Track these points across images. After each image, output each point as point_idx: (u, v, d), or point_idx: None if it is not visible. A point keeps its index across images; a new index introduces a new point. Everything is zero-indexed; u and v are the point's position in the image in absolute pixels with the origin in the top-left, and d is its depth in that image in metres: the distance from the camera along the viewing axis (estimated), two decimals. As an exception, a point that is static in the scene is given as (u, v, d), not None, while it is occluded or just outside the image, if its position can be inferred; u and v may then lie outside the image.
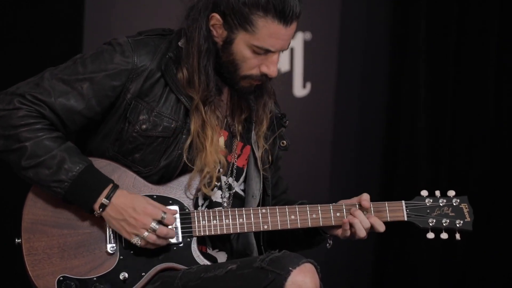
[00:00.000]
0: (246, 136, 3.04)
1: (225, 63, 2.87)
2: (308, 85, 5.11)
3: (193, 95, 2.86)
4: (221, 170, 2.93)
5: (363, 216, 2.95)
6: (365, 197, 2.98)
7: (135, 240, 2.77)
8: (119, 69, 2.84)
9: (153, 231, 2.76)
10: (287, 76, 5.01)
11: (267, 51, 2.83)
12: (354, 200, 3.00)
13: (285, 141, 3.11)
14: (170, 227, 2.80)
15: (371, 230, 2.97)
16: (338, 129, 5.18)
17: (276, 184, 3.19)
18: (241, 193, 3.06)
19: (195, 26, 2.86)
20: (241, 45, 2.83)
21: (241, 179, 3.05)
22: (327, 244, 3.05)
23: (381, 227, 2.96)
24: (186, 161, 2.86)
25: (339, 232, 2.99)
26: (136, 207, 2.76)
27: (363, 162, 5.23)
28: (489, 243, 4.81)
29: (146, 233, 2.75)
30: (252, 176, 3.04)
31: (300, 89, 5.10)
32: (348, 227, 2.95)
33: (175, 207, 2.86)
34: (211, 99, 2.88)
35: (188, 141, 2.86)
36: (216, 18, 2.84)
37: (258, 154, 3.04)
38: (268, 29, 2.79)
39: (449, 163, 5.00)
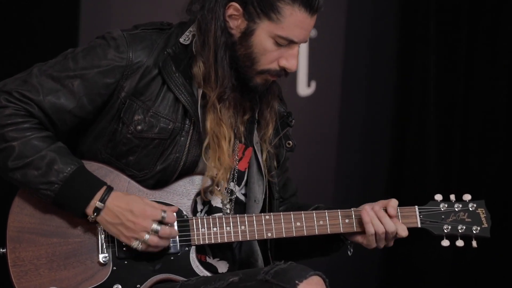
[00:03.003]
0: (248, 137, 2.93)
1: (242, 57, 2.76)
2: (313, 84, 5.04)
3: (209, 92, 2.77)
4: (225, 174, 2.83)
5: (388, 219, 2.81)
6: (393, 203, 2.85)
7: (135, 244, 2.66)
8: (112, 66, 2.73)
9: (155, 233, 2.66)
10: (291, 75, 4.80)
11: (290, 42, 2.73)
12: (380, 204, 2.86)
13: (291, 142, 3.01)
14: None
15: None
16: (343, 129, 5.12)
17: (285, 186, 3.07)
18: (242, 198, 2.95)
19: (211, 17, 2.75)
20: (263, 36, 2.72)
21: (243, 183, 2.94)
22: (348, 252, 2.91)
23: (403, 232, 2.83)
24: (204, 160, 2.76)
25: (363, 239, 2.85)
26: (134, 209, 2.65)
27: (369, 163, 5.16)
28: (502, 247, 4.68)
29: (147, 236, 2.65)
30: (254, 179, 2.93)
31: (304, 88, 5.04)
32: (372, 230, 2.80)
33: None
34: (226, 96, 2.78)
35: (206, 142, 2.77)
36: (235, 7, 2.74)
37: (261, 156, 2.93)
38: (295, 18, 2.70)
39: (459, 164, 4.91)
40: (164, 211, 2.67)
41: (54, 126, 2.73)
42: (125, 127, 2.76)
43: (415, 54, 5.01)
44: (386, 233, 2.80)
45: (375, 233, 2.80)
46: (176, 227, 2.71)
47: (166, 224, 2.67)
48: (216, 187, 2.78)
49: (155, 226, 2.64)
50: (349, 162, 5.12)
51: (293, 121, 3.00)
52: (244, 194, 2.94)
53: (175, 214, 2.70)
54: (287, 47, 2.73)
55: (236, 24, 2.75)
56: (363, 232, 2.83)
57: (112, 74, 2.73)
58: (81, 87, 2.72)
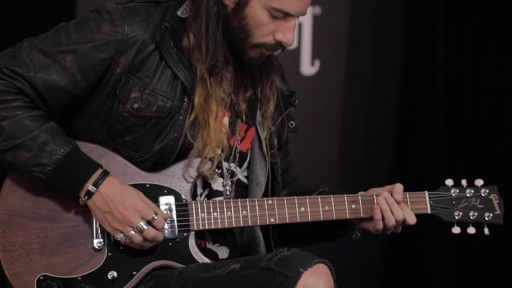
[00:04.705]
0: (251, 117, 2.87)
1: (235, 29, 2.69)
2: (317, 63, 4.98)
3: (198, 64, 2.70)
4: (222, 154, 2.76)
5: (397, 207, 2.75)
6: (398, 188, 2.79)
7: (119, 237, 2.60)
8: (107, 40, 2.66)
9: (140, 231, 2.58)
10: (295, 53, 4.88)
11: (286, 15, 2.67)
12: (386, 188, 2.80)
13: (293, 122, 2.94)
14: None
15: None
16: (348, 109, 5.06)
17: (286, 170, 3.01)
18: (244, 180, 2.88)
19: None
20: (257, 7, 2.66)
21: (245, 165, 2.88)
22: (354, 235, 2.85)
23: (412, 219, 2.77)
24: (189, 138, 2.69)
25: (370, 225, 2.79)
26: (126, 200, 2.59)
27: (374, 144, 5.12)
28: (509, 236, 4.58)
29: (132, 232, 2.59)
30: (257, 161, 2.87)
31: (308, 67, 4.98)
32: (380, 216, 2.74)
33: (170, 198, 2.69)
34: (218, 70, 2.71)
35: (192, 116, 2.69)
36: None
37: (264, 136, 2.87)
38: None
39: (467, 148, 4.86)
40: (156, 214, 2.60)
41: (46, 104, 2.66)
42: (121, 105, 2.68)
43: (423, 33, 4.96)
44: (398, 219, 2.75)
45: (384, 224, 2.75)
46: (174, 215, 2.66)
47: (153, 227, 2.61)
48: (204, 166, 2.71)
49: (141, 224, 2.58)
50: (353, 144, 5.09)
51: (297, 100, 2.94)
52: (247, 177, 2.88)
53: (165, 222, 2.64)
54: (283, 20, 2.67)
55: None
56: (370, 218, 2.77)
57: (107, 49, 2.66)
58: (74, 63, 2.65)
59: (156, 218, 2.59)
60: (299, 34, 4.90)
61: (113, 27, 2.66)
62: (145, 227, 2.57)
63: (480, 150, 4.83)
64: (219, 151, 2.73)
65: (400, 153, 5.02)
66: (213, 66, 2.69)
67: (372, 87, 5.08)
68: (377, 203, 2.75)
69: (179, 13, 2.73)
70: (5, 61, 2.62)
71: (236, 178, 2.84)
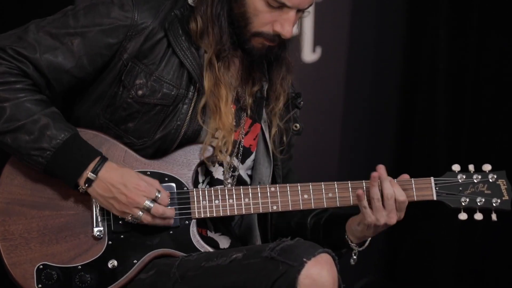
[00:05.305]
0: (256, 112, 2.85)
1: (237, 16, 2.69)
2: (318, 50, 4.93)
3: (206, 48, 2.69)
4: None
5: (388, 184, 2.67)
6: (404, 177, 2.76)
7: (130, 220, 2.59)
8: (116, 25, 2.65)
9: (147, 210, 2.57)
10: (295, 40, 4.78)
11: (282, 6, 2.65)
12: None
13: (298, 125, 2.92)
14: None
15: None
16: (349, 96, 5.01)
17: (286, 176, 2.97)
18: (247, 178, 2.87)
19: None
20: None
21: (247, 162, 2.86)
22: (351, 260, 2.78)
23: (401, 196, 2.68)
24: (201, 123, 2.66)
25: (360, 226, 2.71)
26: (127, 183, 2.57)
27: (376, 133, 5.07)
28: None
29: (140, 213, 2.58)
30: (261, 160, 2.86)
31: (309, 54, 4.93)
32: (365, 204, 2.67)
33: (172, 186, 2.67)
34: (225, 54, 2.69)
35: (203, 102, 2.68)
36: None
37: (273, 134, 2.85)
38: None
39: (471, 135, 4.80)
40: (159, 191, 2.58)
41: (49, 87, 2.64)
42: (125, 91, 2.66)
43: (425, 19, 4.90)
44: (384, 199, 2.67)
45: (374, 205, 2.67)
46: (172, 208, 2.63)
47: (159, 204, 2.59)
48: (220, 152, 2.69)
49: (148, 202, 2.56)
50: (354, 132, 5.04)
51: (302, 102, 2.92)
52: (250, 176, 2.87)
53: (169, 197, 2.62)
54: (281, 11, 2.65)
55: None
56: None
57: (115, 33, 2.64)
58: (81, 46, 2.63)
59: (159, 195, 2.57)
60: (300, 20, 4.89)
61: (123, 11, 2.64)
62: (151, 204, 2.55)
63: (484, 139, 4.76)
64: (233, 132, 2.71)
65: (402, 139, 4.97)
66: (220, 51, 2.67)
67: (373, 73, 5.03)
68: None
69: (190, 1, 2.72)
70: (10, 42, 2.60)
71: (237, 173, 2.82)
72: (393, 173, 2.83)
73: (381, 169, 2.70)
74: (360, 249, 2.77)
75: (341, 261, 2.54)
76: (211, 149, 2.69)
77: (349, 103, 5.00)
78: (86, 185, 2.56)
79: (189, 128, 2.68)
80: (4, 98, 2.56)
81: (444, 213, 2.82)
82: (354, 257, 2.77)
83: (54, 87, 2.64)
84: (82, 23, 2.64)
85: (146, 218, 2.57)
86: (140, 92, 2.65)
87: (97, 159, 2.57)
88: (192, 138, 2.68)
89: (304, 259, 2.39)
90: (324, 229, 2.80)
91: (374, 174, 2.69)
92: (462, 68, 4.81)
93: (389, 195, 2.66)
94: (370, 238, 2.77)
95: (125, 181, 2.56)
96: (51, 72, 2.62)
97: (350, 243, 2.75)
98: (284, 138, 2.88)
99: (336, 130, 5.00)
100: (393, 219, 2.68)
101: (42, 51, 2.60)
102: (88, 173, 2.56)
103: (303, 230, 2.83)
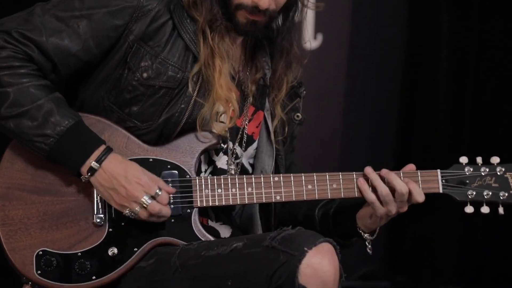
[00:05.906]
0: (259, 100, 2.82)
1: None
2: (320, 37, 4.96)
3: (198, 17, 2.67)
4: (233, 110, 2.69)
5: (398, 179, 2.63)
6: (410, 167, 2.72)
7: (127, 213, 2.55)
8: (122, 6, 2.63)
9: (144, 206, 2.52)
10: (297, 27, 4.80)
11: None
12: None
13: (299, 114, 2.89)
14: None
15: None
16: (351, 83, 5.05)
17: (289, 169, 2.94)
18: (249, 167, 2.84)
19: None
20: None
21: (250, 150, 2.83)
22: (368, 249, 2.76)
23: (420, 197, 2.66)
24: (198, 99, 2.63)
25: (373, 219, 2.68)
26: (129, 175, 2.53)
27: (377, 121, 5.10)
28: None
29: (137, 208, 2.53)
30: (264, 149, 2.83)
31: (310, 41, 4.80)
32: (372, 198, 2.63)
33: (174, 173, 2.63)
34: (218, 24, 2.67)
35: (196, 69, 2.65)
36: None
37: (272, 124, 2.82)
38: None
39: (472, 126, 4.82)
40: (160, 189, 2.54)
41: (55, 71, 2.61)
42: (130, 73, 2.64)
43: (428, 6, 4.91)
44: (396, 193, 2.63)
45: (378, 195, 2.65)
46: (168, 208, 2.59)
47: (157, 202, 2.55)
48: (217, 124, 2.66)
49: (145, 198, 2.52)
50: (356, 121, 5.06)
51: (304, 92, 2.89)
52: (252, 165, 2.84)
53: (170, 196, 2.59)
54: None
55: None
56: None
57: (121, 15, 2.62)
58: (88, 28, 2.60)
59: (160, 193, 2.53)
60: (302, 8, 4.89)
61: None
62: (149, 201, 2.51)
63: (485, 134, 4.76)
64: (231, 106, 2.68)
65: (404, 128, 4.99)
66: (211, 20, 2.65)
67: (375, 60, 5.05)
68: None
69: None
70: (16, 25, 2.56)
71: (240, 161, 2.79)
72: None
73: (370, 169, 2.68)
74: (372, 238, 2.74)
75: (342, 250, 2.51)
76: (216, 137, 2.67)
77: (350, 89, 5.02)
78: (89, 174, 2.53)
79: (193, 112, 2.65)
80: (7, 82, 2.52)
81: (448, 205, 2.79)
82: (369, 246, 2.74)
83: (60, 70, 2.61)
84: (88, 5, 2.61)
85: (143, 214, 2.53)
86: (145, 75, 2.63)
87: (102, 148, 2.54)
88: (196, 122, 2.65)
89: (305, 248, 2.36)
90: (333, 219, 2.77)
91: (367, 169, 2.68)
92: (464, 57, 4.83)
93: (404, 190, 2.63)
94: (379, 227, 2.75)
95: (128, 174, 2.53)
96: (57, 56, 2.59)
97: (363, 234, 2.73)
98: (286, 129, 2.85)
99: (337, 116, 5.02)
100: (404, 208, 2.67)
101: (48, 34, 2.57)
102: (92, 162, 2.52)
103: (311, 221, 2.80)
